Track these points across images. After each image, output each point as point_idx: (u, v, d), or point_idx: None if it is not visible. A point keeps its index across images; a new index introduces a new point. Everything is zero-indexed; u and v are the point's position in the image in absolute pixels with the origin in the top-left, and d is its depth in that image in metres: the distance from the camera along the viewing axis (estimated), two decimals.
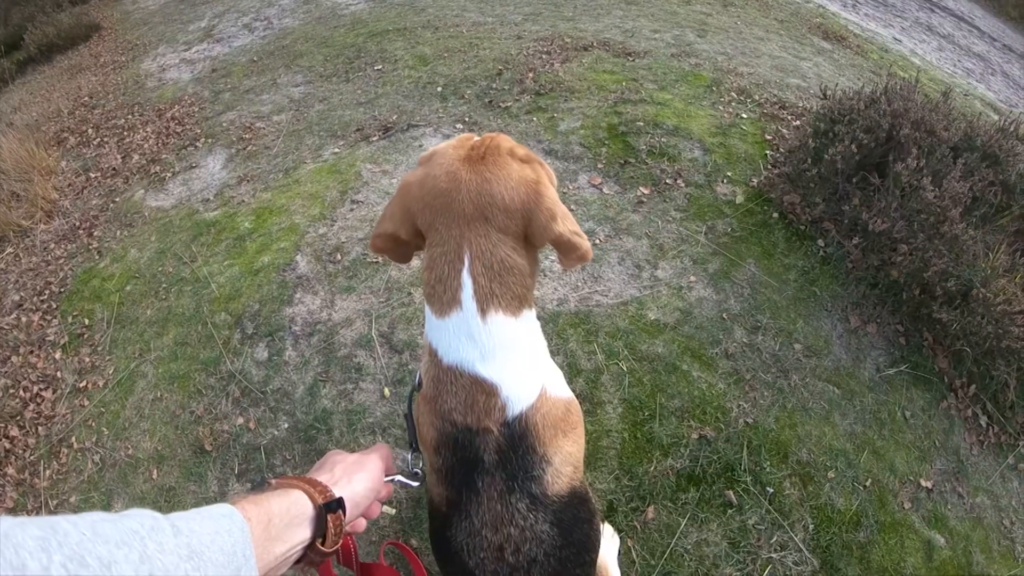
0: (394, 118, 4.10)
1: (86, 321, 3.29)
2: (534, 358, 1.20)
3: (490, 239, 1.13)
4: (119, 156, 4.83)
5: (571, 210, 3.14)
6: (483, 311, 1.13)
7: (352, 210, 3.39)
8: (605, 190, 3.33)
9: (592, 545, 1.26)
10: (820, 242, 3.10)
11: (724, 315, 2.78)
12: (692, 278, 2.90)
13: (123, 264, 3.56)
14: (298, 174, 3.81)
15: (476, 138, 1.25)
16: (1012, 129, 3.35)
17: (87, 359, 3.11)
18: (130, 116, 5.45)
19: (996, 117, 6.61)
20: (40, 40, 8.99)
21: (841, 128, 3.20)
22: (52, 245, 3.99)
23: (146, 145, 4.85)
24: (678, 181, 3.33)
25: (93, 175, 4.69)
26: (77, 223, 4.11)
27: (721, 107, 3.96)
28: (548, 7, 5.97)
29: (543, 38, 4.98)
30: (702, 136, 3.61)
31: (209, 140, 4.56)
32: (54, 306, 3.47)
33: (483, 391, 1.13)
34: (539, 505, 1.15)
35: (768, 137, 3.72)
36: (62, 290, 3.57)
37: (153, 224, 3.81)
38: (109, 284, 3.45)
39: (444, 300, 1.15)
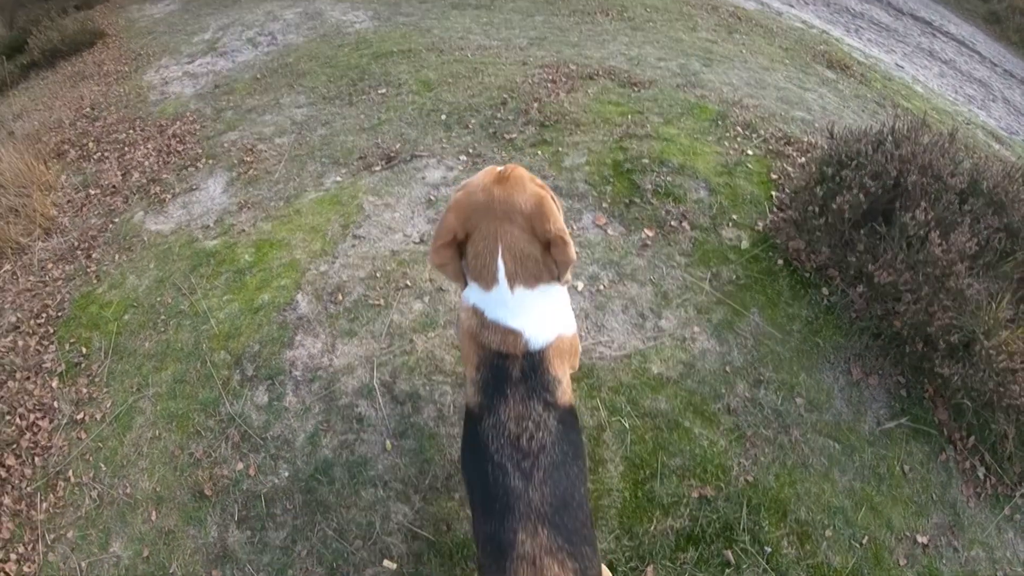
0: (397, 147, 4.07)
1: (83, 350, 3.26)
2: (549, 315, 1.75)
3: (513, 234, 1.70)
4: (119, 173, 4.78)
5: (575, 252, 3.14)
6: (511, 286, 1.71)
7: (354, 246, 3.37)
8: (610, 231, 3.32)
9: (580, 452, 1.71)
10: (824, 290, 3.10)
11: (727, 368, 2.77)
12: (696, 328, 2.89)
13: (121, 291, 3.53)
14: (300, 203, 3.79)
15: (499, 168, 1.79)
16: (1018, 175, 3.35)
17: (84, 390, 3.08)
18: (131, 131, 5.40)
19: (998, 147, 6.65)
20: (44, 45, 8.91)
21: (848, 173, 3.19)
22: (50, 265, 3.95)
23: (147, 163, 4.80)
24: (683, 223, 3.32)
25: (93, 192, 4.64)
26: (76, 243, 4.07)
27: (727, 142, 3.95)
28: (553, 31, 5.95)
29: (548, 64, 4.96)
30: (708, 175, 3.59)
31: (210, 161, 4.52)
32: (51, 331, 3.43)
33: (512, 335, 1.70)
34: (550, 408, 1.66)
35: (774, 176, 3.72)
36: (59, 314, 3.53)
37: (152, 249, 3.77)
38: (107, 312, 3.42)
39: (487, 279, 1.73)
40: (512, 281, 1.71)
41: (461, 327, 1.83)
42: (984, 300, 2.73)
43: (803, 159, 3.97)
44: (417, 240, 3.36)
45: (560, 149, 3.83)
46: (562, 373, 1.73)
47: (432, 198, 3.61)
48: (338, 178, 3.94)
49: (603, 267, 3.14)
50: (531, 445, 1.60)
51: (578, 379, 2.71)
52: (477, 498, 1.65)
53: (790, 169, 3.81)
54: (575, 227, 3.33)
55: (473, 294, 1.77)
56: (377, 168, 3.91)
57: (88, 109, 6.18)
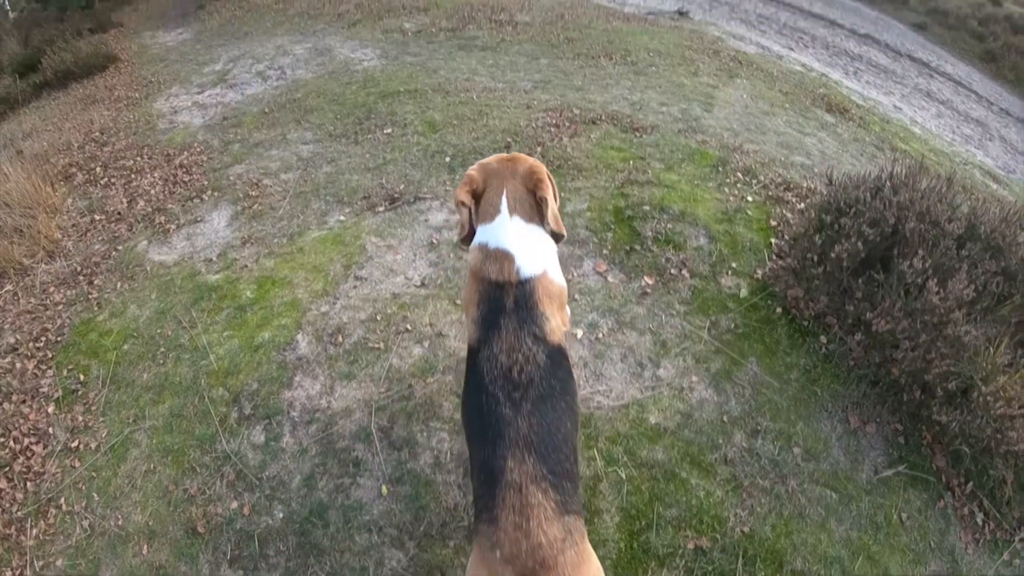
0: (401, 187, 4.12)
1: (81, 377, 3.27)
2: (539, 250, 2.01)
3: (515, 186, 2.07)
4: (125, 200, 4.83)
5: (575, 300, 3.16)
6: (510, 214, 2.03)
7: (355, 287, 3.40)
8: (610, 278, 3.34)
9: (568, 389, 1.86)
10: (822, 338, 3.11)
11: (724, 418, 2.78)
12: (694, 378, 2.90)
13: (122, 320, 3.55)
14: (303, 241, 3.83)
15: (507, 154, 2.20)
16: (1015, 219, 3.38)
17: (80, 418, 3.08)
18: (139, 158, 5.46)
19: (995, 186, 6.72)
20: (57, 66, 9.06)
21: (847, 221, 3.22)
22: (52, 288, 3.97)
23: (152, 191, 4.85)
24: (683, 271, 3.35)
25: (98, 217, 4.68)
26: (78, 267, 4.10)
27: (727, 188, 4.00)
28: (558, 75, 6.05)
29: (552, 108, 5.04)
30: (708, 222, 3.63)
31: (215, 194, 4.57)
32: (50, 355, 3.45)
33: (507, 258, 1.95)
34: (540, 342, 1.84)
35: (773, 223, 3.76)
36: (59, 339, 3.54)
37: (154, 280, 3.80)
38: (106, 340, 3.43)
39: (491, 213, 2.06)
40: (511, 212, 2.04)
41: (468, 272, 2.11)
42: (982, 345, 2.74)
43: (802, 205, 4.01)
44: (418, 283, 3.39)
45: (562, 195, 3.86)
46: (550, 312, 1.93)
47: (434, 241, 3.65)
48: (342, 217, 3.99)
49: (602, 315, 3.16)
50: (521, 377, 1.78)
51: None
52: (474, 430, 1.83)
53: (789, 215, 3.85)
54: (575, 274, 3.36)
55: (480, 233, 2.08)
56: (381, 209, 3.96)
57: (97, 133, 6.26)
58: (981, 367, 2.69)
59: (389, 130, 4.92)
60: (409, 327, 3.15)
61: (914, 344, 2.76)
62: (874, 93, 8.65)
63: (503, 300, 1.91)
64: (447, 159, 4.42)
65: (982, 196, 5.91)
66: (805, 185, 4.24)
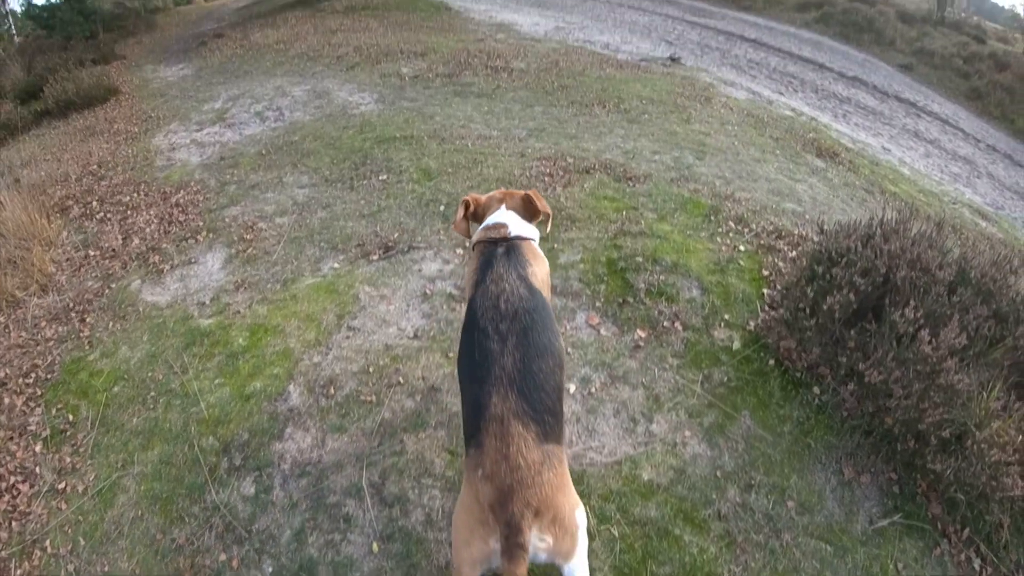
0: (395, 236, 4.15)
1: (70, 417, 3.25)
2: (528, 230, 2.42)
3: (513, 198, 2.51)
4: (120, 237, 4.84)
5: (568, 354, 3.17)
6: (507, 209, 2.46)
7: (348, 338, 3.40)
8: (603, 331, 3.36)
9: (549, 327, 2.06)
10: (815, 389, 3.12)
11: (718, 472, 2.77)
12: (687, 433, 2.90)
13: (113, 361, 3.54)
14: (296, 288, 3.84)
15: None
16: (1005, 262, 3.41)
17: (68, 459, 3.06)
18: (135, 194, 5.50)
19: (984, 224, 6.80)
20: (59, 95, 9.19)
21: (838, 272, 3.25)
22: (43, 323, 3.97)
23: (148, 229, 4.87)
24: (676, 324, 3.37)
25: (92, 253, 4.69)
26: (71, 303, 4.10)
27: (719, 238, 4.04)
28: (552, 122, 6.14)
29: (546, 157, 5.11)
30: (700, 273, 3.67)
31: (210, 235, 4.60)
32: (39, 392, 3.44)
33: (502, 226, 2.36)
34: (523, 280, 2.13)
35: (765, 272, 3.79)
36: (49, 376, 3.53)
37: (147, 321, 3.80)
38: (97, 381, 3.42)
39: (492, 209, 2.48)
40: (508, 208, 2.46)
41: (471, 248, 2.47)
42: (975, 391, 2.75)
43: (794, 253, 4.05)
44: (411, 335, 3.39)
45: (556, 246, 3.91)
46: (535, 266, 2.25)
47: (427, 292, 3.66)
48: (335, 264, 4.01)
49: (595, 369, 3.17)
50: (507, 308, 2.01)
51: None
52: (464, 371, 2.02)
53: (781, 264, 3.89)
54: (568, 327, 3.38)
55: (482, 224, 2.47)
56: (375, 257, 3.98)
57: (95, 166, 6.32)
58: (974, 413, 2.71)
59: (384, 176, 4.97)
60: (401, 380, 3.15)
61: (907, 393, 2.76)
62: (863, 135, 8.79)
63: (496, 250, 2.25)
64: (441, 207, 4.46)
65: (972, 235, 6.01)
66: (796, 232, 4.29)
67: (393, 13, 12.73)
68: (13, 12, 19.39)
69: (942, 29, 19.10)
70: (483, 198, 2.56)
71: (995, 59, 16.04)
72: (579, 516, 1.86)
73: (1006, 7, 29.59)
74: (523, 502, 1.73)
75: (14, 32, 19.10)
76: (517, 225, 2.38)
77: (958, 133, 11.18)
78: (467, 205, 2.53)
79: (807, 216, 4.68)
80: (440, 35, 10.64)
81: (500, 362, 1.89)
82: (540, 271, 2.27)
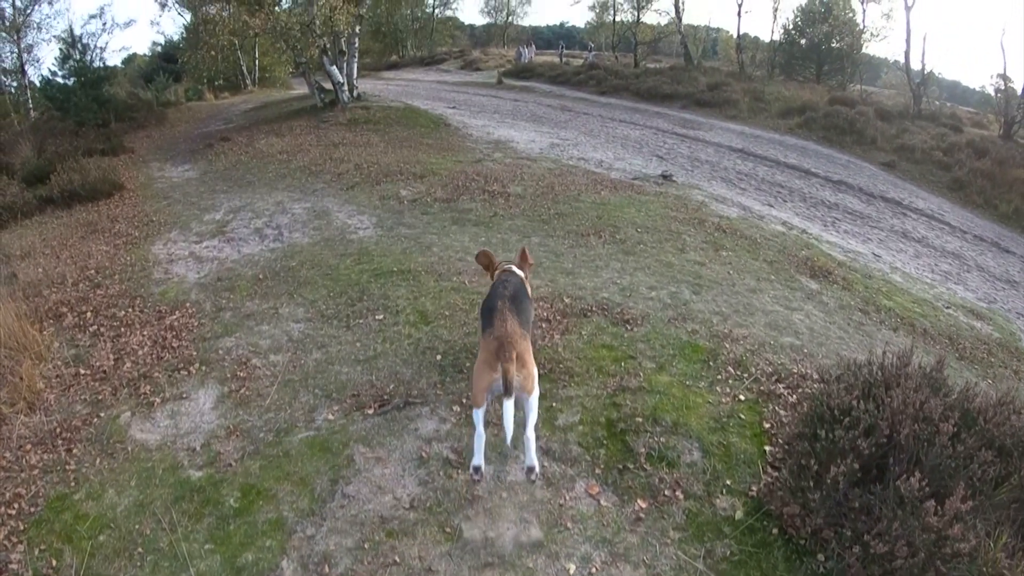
0: (391, 387, 4.10)
1: (54, 562, 3.11)
2: (522, 274, 4.11)
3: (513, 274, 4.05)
4: (112, 357, 4.77)
5: (567, 528, 3.08)
6: (509, 265, 4.18)
7: (343, 506, 3.30)
8: (603, 501, 3.27)
9: (525, 295, 3.84)
10: (820, 556, 3.04)
11: None
12: None
13: (99, 505, 3.42)
14: (289, 443, 3.75)
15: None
16: (1009, 404, 3.38)
17: None
18: (130, 309, 5.48)
19: (979, 324, 6.81)
20: (65, 185, 9.31)
21: (840, 433, 3.21)
22: (29, 447, 3.85)
23: (140, 352, 4.81)
24: (677, 492, 3.29)
25: (83, 372, 4.61)
26: (58, 427, 4.00)
27: (719, 387, 4.02)
28: (549, 255, 6.21)
29: (543, 297, 5.12)
30: (701, 433, 3.62)
31: (203, 368, 4.54)
32: (22, 527, 3.31)
33: (510, 270, 4.08)
34: (515, 275, 3.97)
35: (767, 425, 3.75)
36: (32, 509, 3.42)
37: (135, 463, 3.70)
38: (82, 526, 3.30)
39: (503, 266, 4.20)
40: (510, 264, 4.13)
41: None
42: (981, 543, 2.70)
43: (794, 397, 4.02)
44: (407, 504, 3.28)
45: (554, 404, 3.86)
46: (525, 284, 3.99)
47: (424, 455, 3.57)
48: (330, 416, 3.93)
49: (595, 546, 3.06)
50: (507, 290, 3.63)
51: None
52: (487, 304, 3.63)
53: (783, 413, 3.85)
54: (568, 497, 3.28)
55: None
56: (370, 411, 3.91)
57: (92, 271, 6.33)
58: (982, 572, 2.65)
59: (381, 316, 4.96)
60: (398, 559, 3.02)
61: (913, 563, 2.69)
62: (853, 242, 8.94)
63: (504, 274, 3.95)
64: (438, 357, 4.42)
65: (968, 344, 6.00)
66: (796, 371, 4.28)
67: (394, 128, 13.13)
68: (33, 84, 19.82)
69: (920, 122, 19.86)
70: (496, 260, 4.29)
71: (973, 147, 16.64)
72: (535, 371, 3.33)
73: (976, 88, 30.85)
74: (511, 349, 3.17)
75: (31, 106, 19.54)
76: (518, 271, 4.04)
77: (945, 227, 11.41)
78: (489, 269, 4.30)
79: (805, 350, 4.68)
80: (439, 154, 10.92)
81: (503, 299, 3.51)
82: (527, 290, 3.97)
